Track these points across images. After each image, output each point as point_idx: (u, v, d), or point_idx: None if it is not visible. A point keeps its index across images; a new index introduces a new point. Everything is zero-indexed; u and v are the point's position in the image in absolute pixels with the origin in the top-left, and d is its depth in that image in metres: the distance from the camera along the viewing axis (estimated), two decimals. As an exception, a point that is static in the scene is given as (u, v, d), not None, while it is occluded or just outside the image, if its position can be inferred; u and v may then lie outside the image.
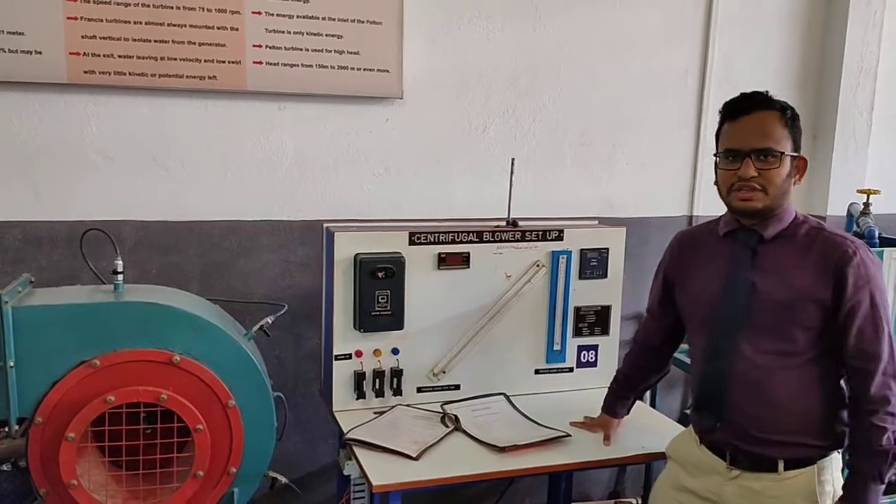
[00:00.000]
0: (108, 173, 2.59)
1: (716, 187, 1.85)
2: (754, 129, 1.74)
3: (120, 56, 2.50)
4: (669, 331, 2.09)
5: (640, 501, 3.33)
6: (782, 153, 1.73)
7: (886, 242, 2.62)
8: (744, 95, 1.79)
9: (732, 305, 1.81)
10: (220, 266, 2.75)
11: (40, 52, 2.42)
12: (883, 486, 1.72)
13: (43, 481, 1.87)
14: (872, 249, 1.81)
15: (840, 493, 1.80)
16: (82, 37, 2.45)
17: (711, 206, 3.20)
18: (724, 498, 1.84)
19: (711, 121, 3.20)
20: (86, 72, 2.47)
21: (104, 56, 2.48)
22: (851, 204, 2.80)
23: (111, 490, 1.92)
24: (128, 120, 2.59)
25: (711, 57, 3.19)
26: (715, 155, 1.83)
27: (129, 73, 2.51)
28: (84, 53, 2.46)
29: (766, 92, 1.79)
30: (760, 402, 1.78)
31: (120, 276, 1.99)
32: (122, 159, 2.60)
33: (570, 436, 2.22)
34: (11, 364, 1.80)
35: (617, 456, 2.19)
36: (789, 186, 1.77)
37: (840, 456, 1.84)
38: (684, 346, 2.13)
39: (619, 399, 2.26)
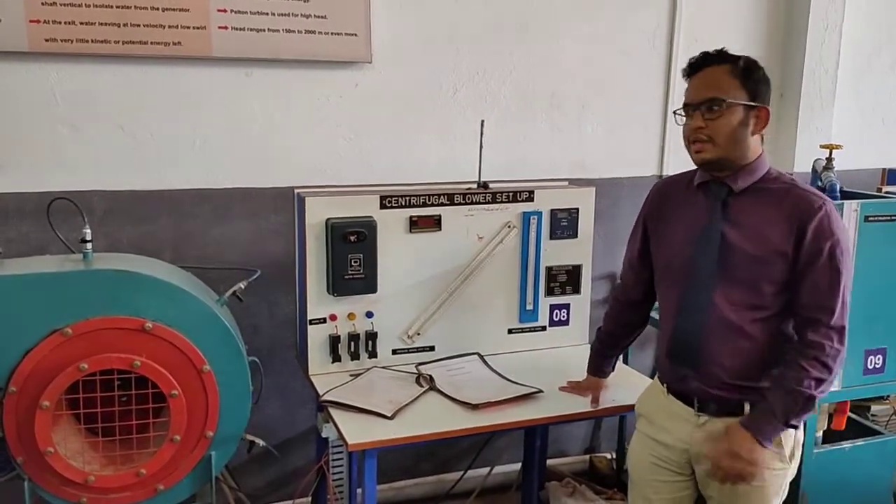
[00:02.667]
0: (74, 143, 2.56)
1: None
2: (703, 83, 1.81)
3: (82, 23, 2.45)
4: (649, 284, 2.09)
5: (614, 456, 3.41)
6: (725, 101, 1.76)
7: (847, 196, 2.68)
8: (700, 54, 1.85)
9: (705, 258, 1.84)
10: (193, 235, 2.74)
11: (-1, 20, 2.38)
12: (784, 428, 1.77)
13: (19, 450, 1.88)
14: (834, 202, 1.84)
15: (801, 435, 1.89)
16: (42, 3, 2.40)
17: (681, 165, 3.23)
18: (693, 444, 1.89)
19: (680, 80, 3.17)
20: (47, 39, 2.43)
21: (65, 23, 2.44)
22: (816, 160, 2.84)
23: (88, 456, 1.94)
24: (93, 88, 2.55)
25: (679, 16, 3.19)
26: (675, 112, 1.89)
27: (92, 41, 2.47)
28: (45, 21, 2.42)
29: (723, 48, 1.83)
30: (733, 352, 1.82)
31: (89, 245, 1.99)
32: (88, 129, 2.57)
33: (542, 391, 2.26)
34: (-18, 334, 1.80)
35: (587, 409, 2.23)
36: (744, 136, 1.79)
37: None
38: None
39: (604, 358, 2.28)
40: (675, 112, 1.89)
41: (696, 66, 1.84)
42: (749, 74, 1.79)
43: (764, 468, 1.76)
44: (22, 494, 1.92)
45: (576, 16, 3.08)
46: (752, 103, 1.79)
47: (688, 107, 1.83)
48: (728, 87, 1.77)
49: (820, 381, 1.74)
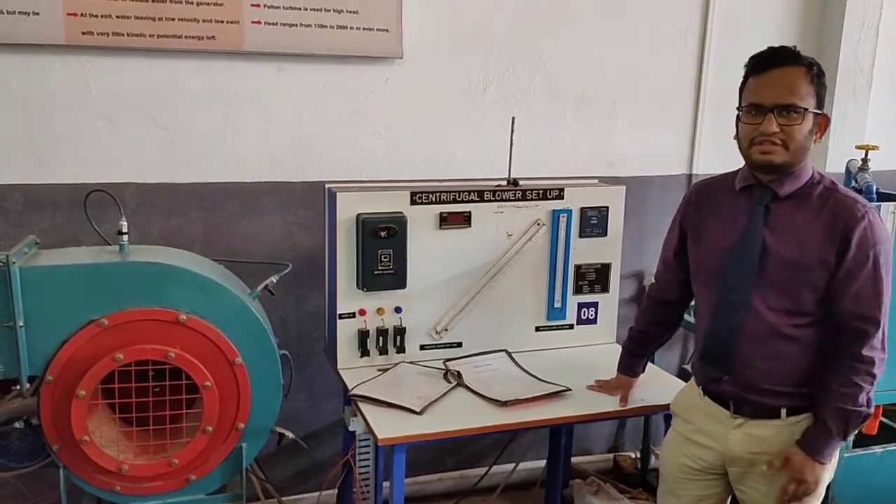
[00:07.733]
0: (108, 136, 2.59)
1: (735, 141, 1.83)
2: (779, 85, 1.73)
3: (118, 16, 2.48)
4: (684, 284, 2.07)
5: (638, 455, 3.39)
6: (805, 109, 1.71)
7: (884, 198, 2.63)
8: (771, 49, 1.77)
9: (744, 262, 1.82)
10: (222, 228, 2.76)
11: (38, 13, 2.40)
12: (843, 443, 1.77)
13: (55, 438, 1.92)
14: (870, 204, 1.81)
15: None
16: (79, -3, 2.44)
17: (711, 164, 3.23)
18: (728, 446, 1.88)
19: (712, 78, 3.21)
20: (84, 32, 2.45)
21: (102, 16, 2.46)
22: (850, 160, 2.79)
23: (122, 446, 1.96)
24: (127, 81, 2.57)
25: (712, 13, 3.15)
26: (738, 108, 1.81)
27: (128, 34, 2.50)
28: (82, 14, 2.44)
29: (794, 47, 1.76)
30: (768, 356, 1.80)
31: (125, 237, 2.01)
32: (122, 121, 2.59)
33: (570, 390, 2.26)
34: (21, 324, 1.84)
35: (617, 409, 2.23)
36: (809, 144, 1.76)
37: None
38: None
39: (635, 357, 2.27)
40: (738, 109, 1.80)
41: (769, 63, 1.75)
42: (820, 80, 1.75)
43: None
44: (56, 481, 1.96)
45: (607, 12, 3.05)
46: (819, 111, 1.75)
47: (758, 107, 1.74)
48: (805, 93, 1.72)
49: (870, 393, 1.74)
